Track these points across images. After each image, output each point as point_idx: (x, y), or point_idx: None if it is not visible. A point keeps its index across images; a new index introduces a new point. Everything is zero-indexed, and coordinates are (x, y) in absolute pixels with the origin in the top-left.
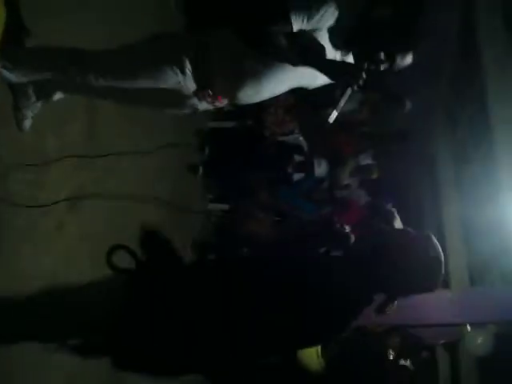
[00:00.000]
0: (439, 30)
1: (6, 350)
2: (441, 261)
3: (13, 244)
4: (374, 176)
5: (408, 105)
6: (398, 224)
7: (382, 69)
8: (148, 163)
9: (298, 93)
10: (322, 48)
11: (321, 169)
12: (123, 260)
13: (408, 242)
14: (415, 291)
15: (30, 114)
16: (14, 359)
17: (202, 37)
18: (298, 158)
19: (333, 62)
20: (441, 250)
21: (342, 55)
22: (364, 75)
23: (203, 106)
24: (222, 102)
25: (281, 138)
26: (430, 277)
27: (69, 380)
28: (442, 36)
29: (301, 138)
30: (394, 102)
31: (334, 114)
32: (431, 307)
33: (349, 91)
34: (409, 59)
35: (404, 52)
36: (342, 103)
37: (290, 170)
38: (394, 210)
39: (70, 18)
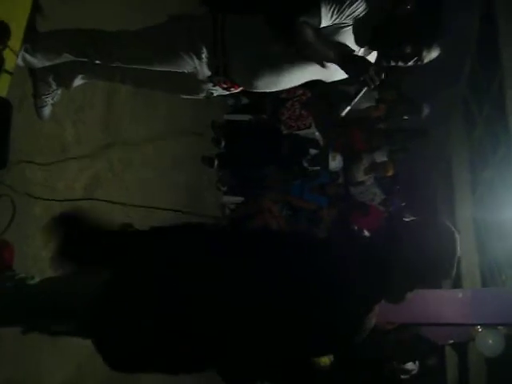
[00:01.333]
0: (458, 29)
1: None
2: (456, 241)
3: (29, 232)
4: (390, 173)
5: (425, 111)
6: None
7: (409, 64)
8: (164, 153)
9: (315, 87)
10: (344, 45)
11: (335, 162)
12: None
13: (420, 225)
14: (428, 277)
15: (50, 101)
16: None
17: (219, 16)
18: (313, 151)
19: (354, 59)
20: (457, 236)
21: (365, 52)
22: (382, 76)
23: (218, 91)
24: (238, 89)
25: (296, 132)
26: (443, 260)
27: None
28: (460, 36)
29: (317, 133)
30: (412, 107)
31: (347, 109)
32: (442, 307)
33: (365, 89)
34: (435, 52)
35: (429, 44)
36: (356, 100)
37: (305, 163)
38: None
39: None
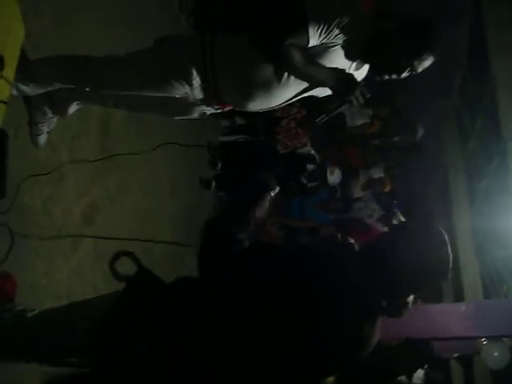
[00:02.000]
0: (448, 42)
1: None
2: (447, 245)
3: (27, 260)
4: (387, 189)
5: (420, 132)
6: None
7: (403, 76)
8: (161, 178)
9: (309, 104)
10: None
11: (334, 177)
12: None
13: (414, 231)
14: (424, 281)
15: (45, 129)
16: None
17: (207, 37)
18: (310, 167)
19: (342, 78)
20: (449, 242)
21: (357, 65)
22: (367, 95)
23: (211, 110)
24: (230, 107)
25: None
26: (438, 262)
27: None
28: (450, 48)
29: (313, 151)
30: (406, 128)
31: (324, 119)
32: (445, 321)
33: (344, 106)
34: (428, 60)
35: (421, 54)
36: (334, 113)
37: (303, 180)
38: None
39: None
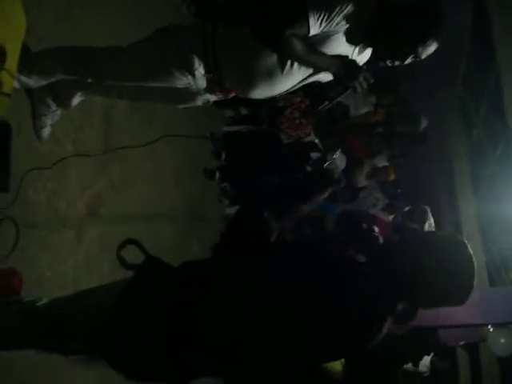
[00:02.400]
0: (451, 28)
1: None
2: (473, 263)
3: (33, 253)
4: (391, 178)
5: (423, 123)
6: None
7: (407, 62)
8: (165, 168)
9: (312, 93)
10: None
11: (340, 161)
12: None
13: (436, 239)
14: (442, 298)
15: (49, 122)
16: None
17: (209, 26)
18: (314, 155)
19: (345, 64)
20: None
21: (360, 50)
22: (371, 81)
23: (214, 98)
24: (233, 94)
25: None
26: (460, 281)
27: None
28: (454, 35)
29: (316, 140)
30: (410, 120)
31: (327, 106)
32: (451, 308)
33: (348, 91)
34: (432, 46)
35: (425, 40)
36: (337, 100)
37: (308, 168)
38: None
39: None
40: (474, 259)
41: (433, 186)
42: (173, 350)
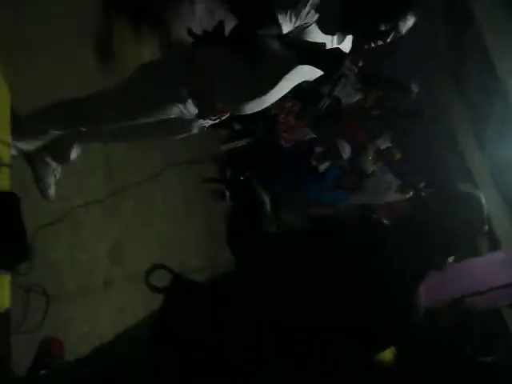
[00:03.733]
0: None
1: None
2: (479, 197)
3: (66, 313)
4: (397, 157)
5: (415, 90)
6: None
7: (389, 40)
8: (175, 198)
9: (302, 95)
10: (313, 44)
11: (345, 150)
12: None
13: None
14: (462, 232)
15: (52, 180)
16: None
17: (193, 52)
18: (318, 149)
19: (326, 55)
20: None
21: (338, 39)
22: (360, 63)
23: (209, 123)
24: (227, 114)
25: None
26: (473, 212)
27: None
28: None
29: (314, 135)
30: (400, 90)
31: (327, 102)
32: (486, 272)
33: (343, 80)
34: (411, 20)
35: (403, 15)
36: (334, 92)
37: (314, 162)
38: None
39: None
40: (483, 206)
41: (439, 156)
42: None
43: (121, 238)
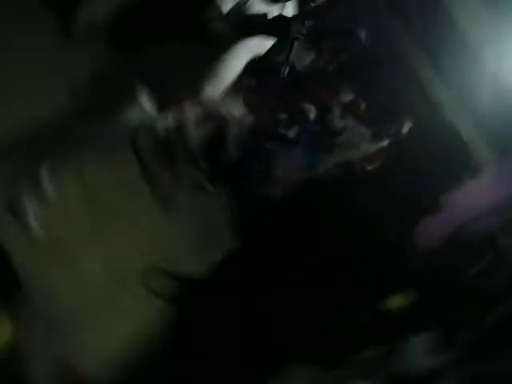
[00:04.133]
0: None
1: None
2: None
3: (76, 336)
4: (363, 107)
5: (362, 34)
6: None
7: None
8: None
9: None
10: (258, 15)
11: (311, 112)
12: None
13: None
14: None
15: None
16: None
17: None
18: (283, 116)
19: (270, 21)
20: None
21: (281, 6)
22: (307, 23)
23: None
24: (190, 107)
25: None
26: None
27: None
28: None
29: None
30: (345, 38)
31: (287, 69)
32: (471, 200)
33: (295, 43)
34: None
35: None
36: (290, 56)
37: (281, 130)
38: None
39: None
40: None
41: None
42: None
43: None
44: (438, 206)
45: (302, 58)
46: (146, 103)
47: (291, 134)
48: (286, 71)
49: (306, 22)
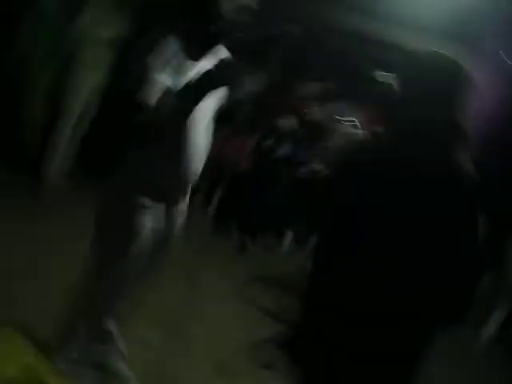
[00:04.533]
0: None
1: None
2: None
3: None
4: (331, 86)
5: (295, 29)
6: None
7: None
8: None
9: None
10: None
11: (291, 122)
12: None
13: None
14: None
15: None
16: None
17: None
18: (268, 142)
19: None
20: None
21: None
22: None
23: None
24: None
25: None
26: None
27: None
28: None
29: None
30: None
31: (247, 101)
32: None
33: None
34: None
35: None
36: (246, 96)
37: (272, 144)
38: None
39: None
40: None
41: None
42: None
43: None
44: None
45: (253, 81)
46: None
47: (282, 152)
48: (247, 110)
49: (233, 54)
